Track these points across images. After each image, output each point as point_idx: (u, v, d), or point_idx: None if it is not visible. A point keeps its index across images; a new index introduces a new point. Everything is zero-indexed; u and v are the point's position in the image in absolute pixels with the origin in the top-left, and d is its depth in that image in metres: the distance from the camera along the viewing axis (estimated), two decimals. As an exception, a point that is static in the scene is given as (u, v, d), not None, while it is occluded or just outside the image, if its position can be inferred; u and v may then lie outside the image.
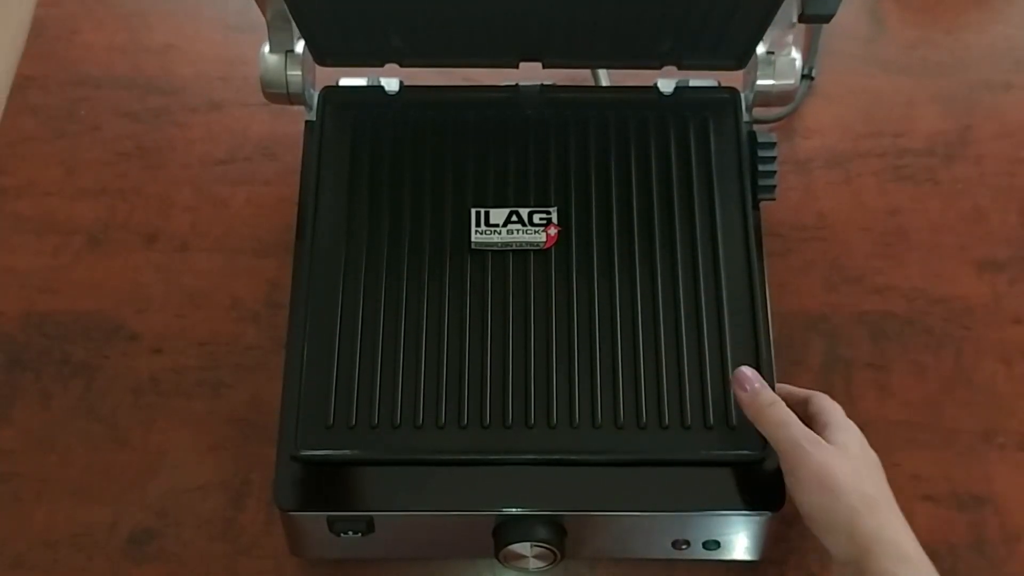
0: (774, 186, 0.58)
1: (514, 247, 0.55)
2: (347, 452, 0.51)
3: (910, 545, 0.45)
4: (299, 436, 0.50)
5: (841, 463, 0.46)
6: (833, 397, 0.51)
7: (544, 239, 0.55)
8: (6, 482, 0.58)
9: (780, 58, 0.57)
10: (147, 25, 0.73)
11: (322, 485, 0.51)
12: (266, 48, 0.56)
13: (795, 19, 0.52)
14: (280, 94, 0.57)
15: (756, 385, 0.50)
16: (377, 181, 0.57)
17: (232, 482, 0.58)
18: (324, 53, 0.56)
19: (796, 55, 0.58)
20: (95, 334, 0.62)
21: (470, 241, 0.55)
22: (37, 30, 0.72)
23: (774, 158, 0.58)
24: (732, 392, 0.50)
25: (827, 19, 0.51)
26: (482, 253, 0.55)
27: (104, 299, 0.63)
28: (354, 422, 0.51)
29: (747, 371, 0.50)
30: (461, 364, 0.52)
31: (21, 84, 0.70)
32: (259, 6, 0.53)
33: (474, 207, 0.56)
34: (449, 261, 0.55)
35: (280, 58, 0.56)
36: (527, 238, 0.55)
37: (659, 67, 0.57)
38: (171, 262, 0.64)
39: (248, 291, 0.63)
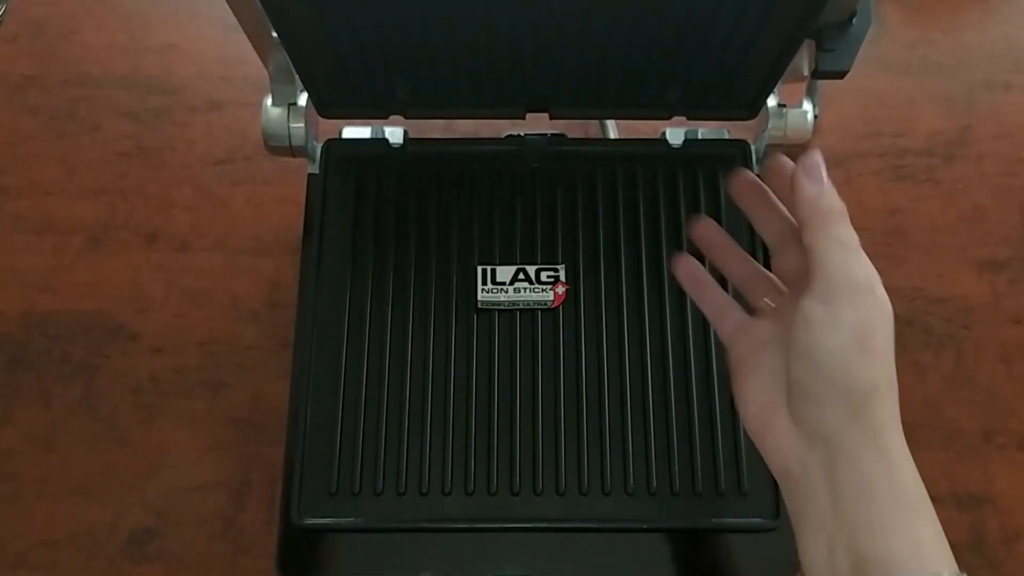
0: None
1: (521, 306, 0.54)
2: (351, 520, 0.50)
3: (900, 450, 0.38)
4: (302, 504, 0.50)
5: (886, 325, 0.39)
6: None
7: (552, 298, 0.55)
8: (6, 482, 0.58)
9: (792, 110, 0.56)
10: (147, 25, 0.73)
11: (326, 553, 0.51)
12: (268, 100, 0.55)
13: (807, 72, 0.51)
14: (283, 147, 0.56)
15: (827, 183, 0.39)
16: (381, 237, 0.56)
17: (232, 482, 0.58)
18: (327, 104, 0.55)
19: (808, 107, 0.56)
20: (95, 334, 0.62)
21: (476, 300, 0.55)
22: (37, 30, 0.72)
23: None
24: (793, 176, 0.39)
25: (842, 75, 0.50)
26: (488, 312, 0.55)
27: (104, 299, 0.63)
28: (358, 489, 0.50)
29: (820, 159, 0.39)
30: (467, 429, 0.52)
31: (21, 84, 0.70)
32: (261, 59, 0.52)
33: (480, 264, 0.55)
34: (455, 321, 0.54)
35: (283, 111, 0.55)
36: (534, 297, 0.55)
37: (668, 117, 0.56)
38: (171, 262, 0.64)
39: (248, 291, 0.63)
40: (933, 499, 0.53)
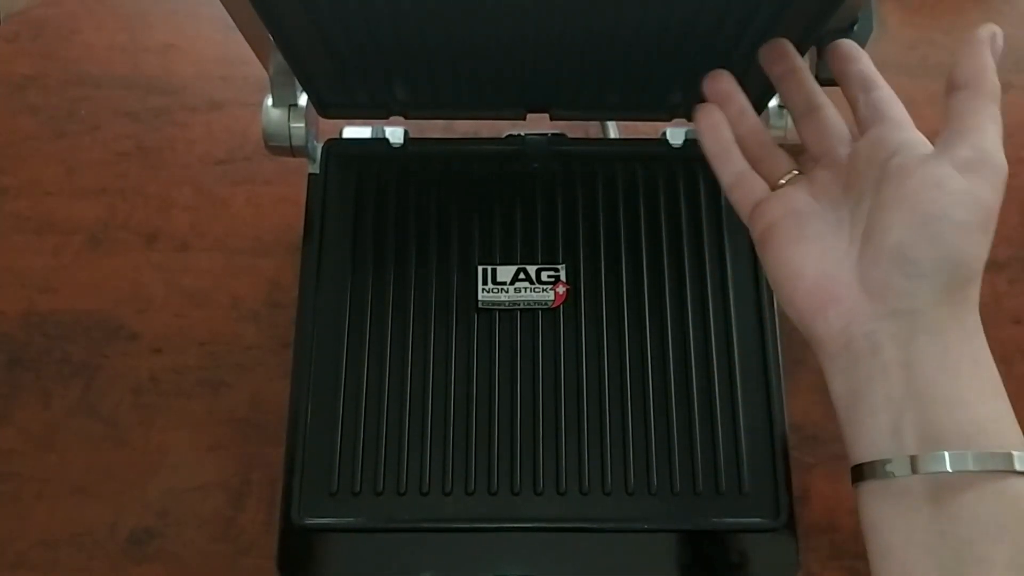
0: None
1: (522, 306, 0.54)
2: (351, 520, 0.50)
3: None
4: (302, 504, 0.50)
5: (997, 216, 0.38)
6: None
7: (552, 297, 0.55)
8: (6, 482, 0.58)
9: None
10: (147, 25, 0.73)
11: (326, 553, 0.51)
12: (269, 101, 0.55)
13: None
14: (283, 147, 0.56)
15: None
16: (381, 237, 0.56)
17: (232, 482, 0.58)
18: (327, 106, 0.55)
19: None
20: (95, 334, 0.62)
21: (477, 300, 0.55)
22: (37, 30, 0.72)
23: None
24: (974, 42, 0.42)
25: None
26: (489, 312, 0.55)
27: (104, 299, 0.63)
28: (358, 489, 0.51)
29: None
30: (468, 429, 0.52)
31: (21, 84, 0.70)
32: (261, 61, 0.52)
33: (480, 264, 0.55)
34: (455, 321, 0.54)
35: (283, 111, 0.55)
36: (535, 296, 0.55)
37: (669, 120, 0.56)
38: (171, 262, 0.64)
39: (248, 291, 0.63)
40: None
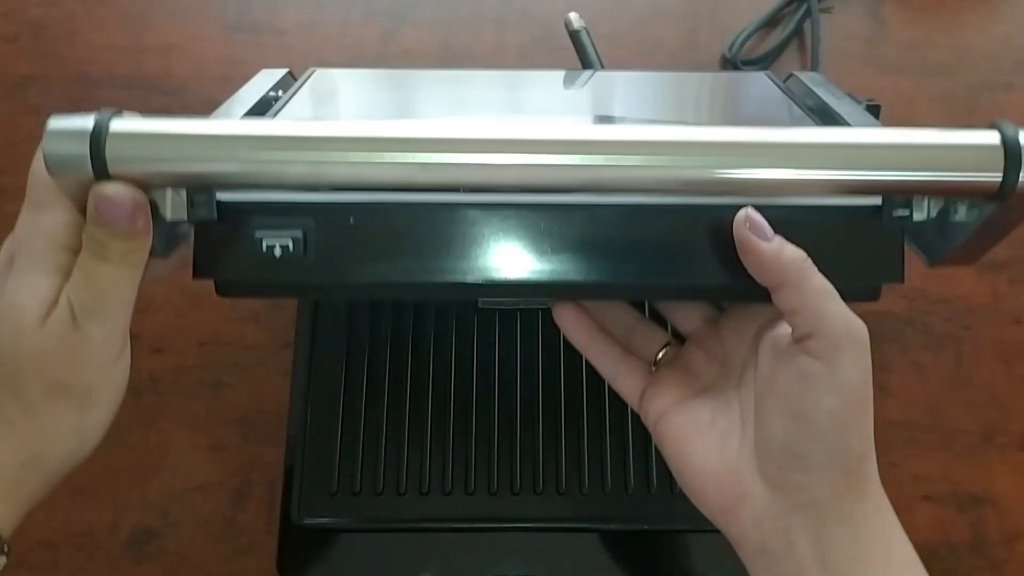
0: None
1: (522, 305, 0.54)
2: (351, 520, 0.50)
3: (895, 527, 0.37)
4: (302, 504, 0.50)
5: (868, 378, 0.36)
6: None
7: None
8: (6, 482, 0.58)
9: None
10: (147, 25, 0.73)
11: (326, 553, 0.51)
12: None
13: None
14: None
15: (777, 236, 0.35)
16: None
17: (232, 482, 0.58)
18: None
19: None
20: (95, 334, 0.62)
21: (476, 300, 0.54)
22: (37, 30, 0.72)
23: None
24: (741, 241, 0.36)
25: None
26: (489, 311, 0.54)
27: (104, 299, 0.63)
28: (358, 489, 0.51)
29: (756, 214, 0.36)
30: (467, 429, 0.52)
31: (21, 84, 0.70)
32: None
33: None
34: (456, 320, 0.54)
35: None
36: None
37: None
38: (171, 262, 0.64)
39: (248, 291, 0.63)
40: (933, 499, 0.53)
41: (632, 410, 0.51)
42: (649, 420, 0.41)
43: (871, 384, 0.36)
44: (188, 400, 0.60)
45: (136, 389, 0.60)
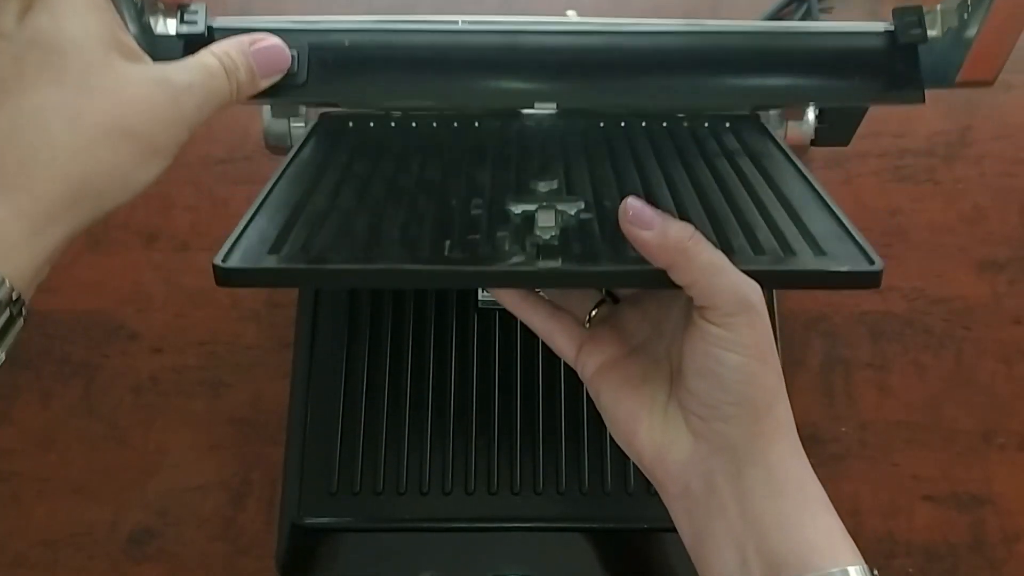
0: None
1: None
2: (351, 520, 0.50)
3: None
4: (302, 503, 0.50)
5: (770, 330, 0.38)
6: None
7: None
8: (6, 482, 0.58)
9: (792, 122, 0.55)
10: (147, 25, 0.73)
11: (326, 553, 0.51)
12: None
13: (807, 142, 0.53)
14: (283, 147, 0.55)
15: (659, 220, 0.37)
16: None
17: (232, 482, 0.58)
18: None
19: (810, 115, 0.55)
20: (95, 334, 0.62)
21: (476, 299, 0.54)
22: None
23: None
24: (625, 233, 0.37)
25: (845, 144, 0.51)
26: (488, 311, 0.54)
27: (104, 299, 0.63)
28: (358, 489, 0.50)
29: (637, 202, 0.37)
30: (467, 429, 0.52)
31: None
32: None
33: None
34: (455, 320, 0.54)
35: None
36: None
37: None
38: (171, 262, 0.64)
39: (248, 291, 0.63)
40: (933, 499, 0.53)
41: None
42: (585, 375, 0.43)
43: (771, 338, 0.38)
44: (188, 400, 0.60)
45: (136, 389, 0.61)
